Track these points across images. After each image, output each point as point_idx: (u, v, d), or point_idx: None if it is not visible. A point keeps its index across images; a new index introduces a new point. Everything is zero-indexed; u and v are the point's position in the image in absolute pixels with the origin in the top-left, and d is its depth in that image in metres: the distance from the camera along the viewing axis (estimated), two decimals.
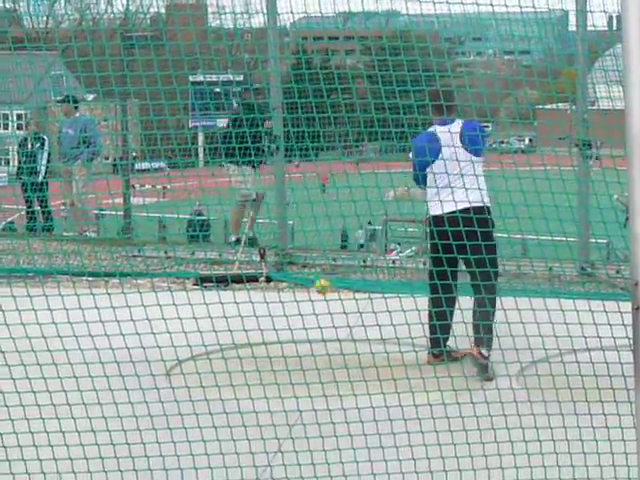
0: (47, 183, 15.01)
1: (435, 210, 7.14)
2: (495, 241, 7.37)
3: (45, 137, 15.23)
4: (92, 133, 14.28)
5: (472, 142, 7.31)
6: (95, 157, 14.68)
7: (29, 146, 14.91)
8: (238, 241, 12.42)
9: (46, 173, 14.94)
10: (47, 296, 5.34)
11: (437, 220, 7.02)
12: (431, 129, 7.48)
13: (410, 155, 7.94)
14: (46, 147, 15.01)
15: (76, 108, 14.61)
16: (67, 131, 14.25)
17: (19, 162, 15.19)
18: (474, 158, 7.25)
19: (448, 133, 7.10)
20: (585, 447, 5.04)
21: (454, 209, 6.90)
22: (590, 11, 10.82)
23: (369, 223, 17.93)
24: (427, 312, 6.86)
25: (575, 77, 11.46)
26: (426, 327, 6.35)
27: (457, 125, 7.40)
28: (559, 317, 5.57)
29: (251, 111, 11.62)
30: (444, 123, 7.35)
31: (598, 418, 5.16)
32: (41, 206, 14.68)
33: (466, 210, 6.90)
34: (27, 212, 14.85)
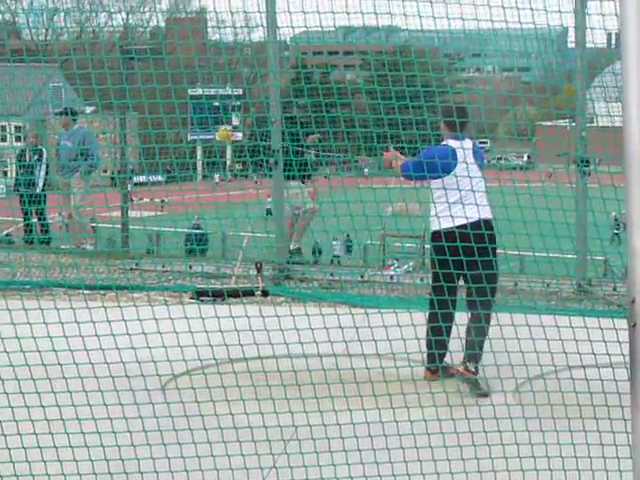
0: (45, 195, 14.99)
1: (446, 223, 7.10)
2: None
3: (43, 149, 15.21)
4: (90, 146, 14.26)
5: (482, 159, 7.50)
6: (93, 170, 14.66)
7: (27, 158, 14.89)
8: (299, 250, 12.57)
9: (44, 185, 14.92)
10: (43, 309, 5.33)
11: (448, 234, 6.95)
12: (445, 143, 7.49)
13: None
14: (44, 159, 14.99)
15: (74, 120, 14.59)
16: (65, 143, 14.23)
17: (17, 174, 15.17)
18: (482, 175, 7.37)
19: (462, 149, 7.17)
20: (580, 464, 5.02)
21: (465, 222, 6.98)
22: (590, 28, 10.83)
23: (347, 235, 17.93)
24: (425, 328, 6.85)
25: (574, 94, 11.47)
26: (422, 343, 6.34)
27: (469, 142, 7.44)
28: (555, 334, 5.57)
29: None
30: (457, 138, 7.37)
31: (592, 435, 5.15)
32: (39, 219, 14.67)
33: (477, 224, 6.95)
34: (24, 225, 14.83)
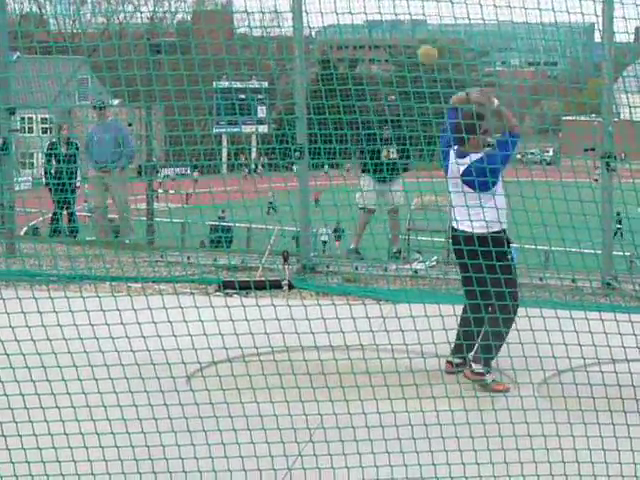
0: (76, 187, 15.07)
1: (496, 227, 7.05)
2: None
3: (78, 141, 15.24)
4: (126, 139, 14.30)
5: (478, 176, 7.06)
6: (131, 161, 14.71)
7: (64, 149, 14.88)
8: (356, 250, 12.66)
9: (76, 177, 14.98)
10: (69, 298, 5.34)
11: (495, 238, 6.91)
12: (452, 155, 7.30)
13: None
14: (77, 151, 15.04)
15: (102, 109, 14.55)
16: (102, 136, 14.20)
17: (47, 165, 15.16)
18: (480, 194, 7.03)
19: (456, 165, 7.13)
20: (607, 457, 4.99)
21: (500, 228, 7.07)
22: (620, 17, 10.73)
23: (338, 223, 17.93)
24: (454, 320, 6.81)
25: (601, 88, 11.39)
26: (450, 335, 6.26)
27: (467, 159, 7.19)
28: (582, 328, 5.53)
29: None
30: (461, 156, 7.23)
31: (621, 428, 5.11)
32: (68, 210, 14.71)
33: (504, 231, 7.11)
34: (53, 215, 14.87)
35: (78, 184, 14.97)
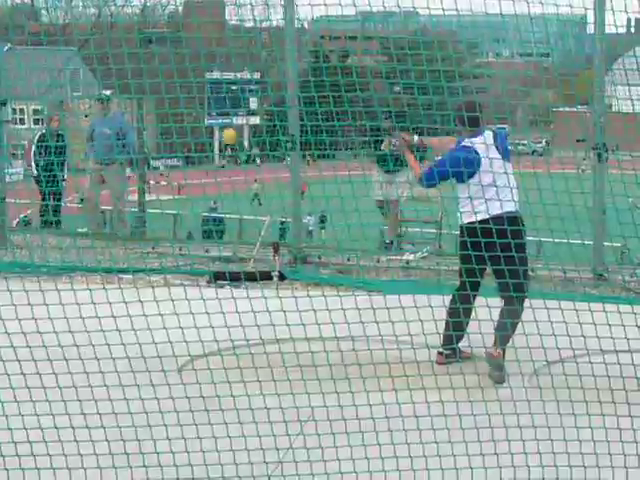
0: (64, 179, 15.04)
1: (468, 218, 7.13)
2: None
3: (64, 133, 15.22)
4: (128, 134, 14.29)
5: (506, 149, 7.41)
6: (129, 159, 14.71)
7: (54, 140, 14.85)
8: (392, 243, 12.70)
9: (64, 169, 14.97)
10: (59, 291, 5.33)
11: (470, 229, 6.98)
12: (466, 142, 7.37)
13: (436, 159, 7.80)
14: (66, 143, 15.03)
15: (107, 102, 14.52)
16: (103, 129, 14.19)
17: (36, 156, 15.13)
18: (508, 165, 7.25)
19: (484, 145, 7.19)
20: (597, 448, 5.00)
21: (486, 217, 7.04)
22: (611, 10, 10.74)
23: (323, 212, 17.99)
24: (447, 310, 6.85)
25: (593, 79, 11.39)
26: (440, 326, 6.29)
27: (489, 135, 7.37)
28: (573, 319, 5.54)
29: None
30: (475, 135, 7.32)
31: (610, 419, 5.13)
32: (56, 200, 14.68)
33: (499, 218, 7.00)
34: (42, 206, 14.85)
35: (66, 177, 14.95)
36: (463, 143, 7.41)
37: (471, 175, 7.12)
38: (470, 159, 7.17)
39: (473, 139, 7.33)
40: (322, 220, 21.63)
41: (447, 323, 6.97)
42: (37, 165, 15.05)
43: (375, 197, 12.82)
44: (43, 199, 14.51)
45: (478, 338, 6.10)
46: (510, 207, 7.17)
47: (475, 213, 6.99)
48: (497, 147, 7.30)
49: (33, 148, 15.07)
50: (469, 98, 7.52)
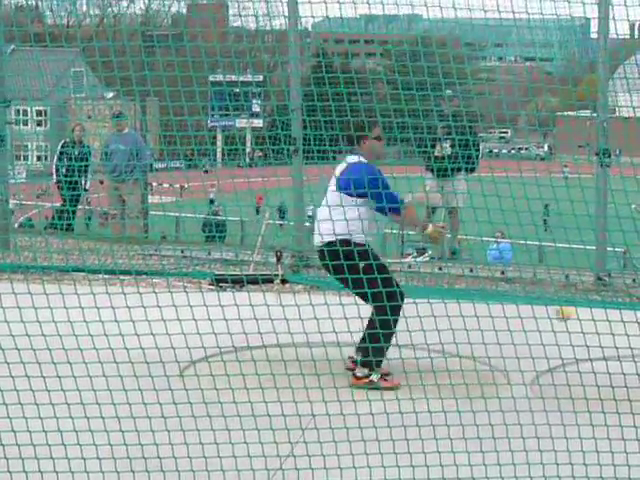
0: (85, 190, 15.16)
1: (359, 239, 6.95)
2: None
3: (90, 147, 15.35)
4: (142, 148, 14.43)
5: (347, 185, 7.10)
6: (145, 174, 14.82)
7: (76, 153, 14.96)
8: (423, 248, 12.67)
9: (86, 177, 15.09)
10: (63, 294, 5.34)
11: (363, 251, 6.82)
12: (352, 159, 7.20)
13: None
14: (89, 150, 15.17)
15: (120, 119, 14.64)
16: (117, 147, 14.32)
17: (58, 162, 15.15)
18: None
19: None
20: (601, 459, 5.00)
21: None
22: (613, 18, 10.75)
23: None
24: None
25: (596, 84, 11.41)
26: (443, 334, 6.21)
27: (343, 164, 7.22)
28: (574, 326, 5.54)
29: None
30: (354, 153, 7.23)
31: (614, 429, 5.13)
32: (72, 205, 14.72)
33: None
34: (60, 212, 14.89)
35: (88, 185, 15.08)
36: (360, 160, 7.19)
37: (364, 195, 6.94)
38: (385, 179, 7.02)
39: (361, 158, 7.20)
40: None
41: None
42: (57, 170, 15.12)
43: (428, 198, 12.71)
44: (63, 203, 14.54)
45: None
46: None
47: (364, 234, 6.87)
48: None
49: (56, 156, 15.18)
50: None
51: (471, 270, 11.19)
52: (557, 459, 4.97)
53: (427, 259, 12.25)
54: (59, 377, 5.10)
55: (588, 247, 9.84)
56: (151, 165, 19.47)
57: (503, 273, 11.02)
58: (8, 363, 5.12)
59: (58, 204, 14.82)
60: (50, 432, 4.98)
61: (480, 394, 5.39)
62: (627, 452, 5.00)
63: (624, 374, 5.53)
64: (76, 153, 14.76)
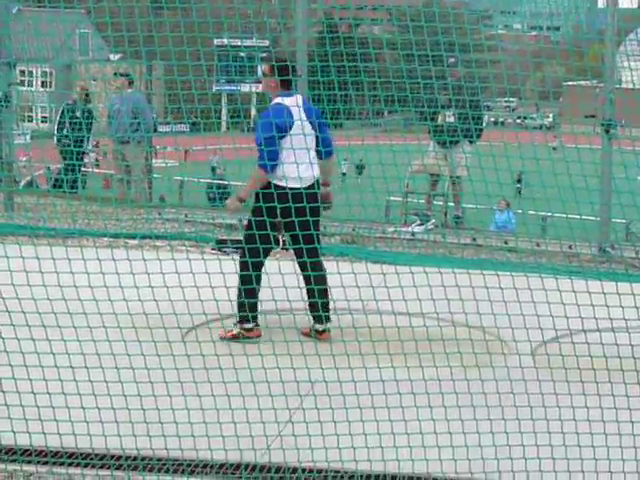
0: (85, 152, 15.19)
1: (293, 183, 6.96)
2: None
3: (92, 109, 15.33)
4: (144, 113, 14.32)
5: (317, 116, 7.30)
6: (150, 132, 14.75)
7: (76, 114, 14.97)
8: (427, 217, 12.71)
9: (88, 143, 15.13)
10: (70, 260, 5.41)
11: (295, 193, 6.70)
12: (278, 100, 7.20)
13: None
14: (92, 119, 15.17)
15: (130, 84, 14.59)
16: (120, 107, 14.26)
17: (60, 126, 15.17)
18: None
19: (297, 107, 7.06)
20: (592, 428, 5.09)
21: (309, 183, 7.08)
22: None
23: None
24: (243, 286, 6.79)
25: (602, 54, 11.39)
26: (438, 302, 6.24)
27: (300, 98, 7.29)
28: (575, 297, 5.58)
29: None
30: (289, 95, 7.23)
31: (606, 399, 5.21)
32: (74, 171, 14.76)
33: (315, 184, 7.14)
34: (60, 171, 14.93)
35: (88, 145, 15.10)
36: (276, 101, 7.23)
37: (282, 138, 6.93)
38: (281, 124, 6.98)
39: (285, 98, 7.19)
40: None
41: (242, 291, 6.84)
42: (59, 130, 15.12)
43: (426, 167, 12.74)
44: (65, 166, 14.55)
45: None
46: (316, 171, 7.23)
47: (285, 178, 6.96)
48: (308, 110, 7.24)
49: (58, 115, 15.20)
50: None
51: (474, 239, 11.27)
52: (549, 428, 5.06)
53: (431, 227, 12.31)
54: (64, 340, 5.18)
55: (591, 218, 9.88)
56: (155, 126, 19.47)
57: (506, 243, 11.10)
58: (14, 325, 5.20)
59: (59, 165, 14.86)
60: (54, 394, 5.07)
61: (475, 363, 5.47)
62: (618, 421, 5.09)
63: (617, 345, 5.59)
64: (77, 112, 14.76)
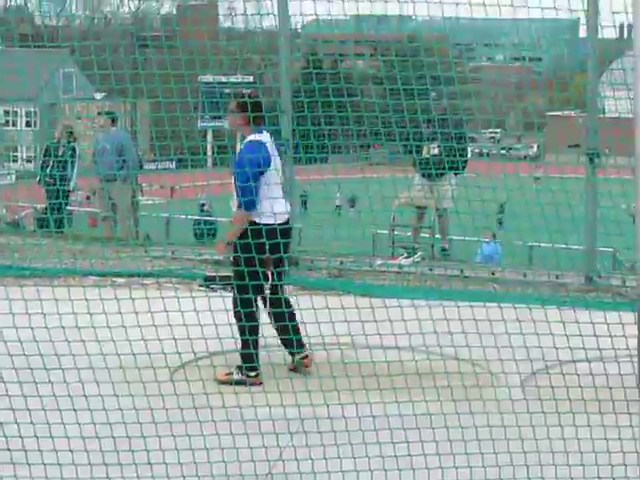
0: (70, 191, 15.15)
1: (268, 219, 6.93)
2: None
3: (76, 146, 15.33)
4: (128, 152, 14.35)
5: (278, 150, 7.36)
6: (130, 176, 14.73)
7: (60, 153, 14.98)
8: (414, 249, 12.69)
9: (74, 183, 15.11)
10: (57, 300, 5.39)
11: (270, 231, 6.81)
12: (255, 137, 7.16)
13: None
14: (77, 157, 15.16)
15: (113, 122, 14.64)
16: (105, 145, 14.31)
17: (44, 167, 15.18)
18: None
19: (270, 143, 7.13)
20: (584, 459, 5.07)
21: (284, 220, 7.01)
22: (601, 25, 10.81)
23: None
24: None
25: (585, 84, 11.44)
26: (427, 336, 6.19)
27: (267, 135, 7.28)
28: (561, 327, 5.58)
29: None
30: (261, 131, 7.21)
31: (597, 430, 5.19)
32: (59, 211, 14.73)
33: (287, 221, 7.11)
34: (44, 211, 14.92)
35: (72, 185, 15.08)
36: (251, 138, 7.16)
37: (267, 166, 6.99)
38: (264, 158, 7.01)
39: (259, 135, 7.16)
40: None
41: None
42: (42, 169, 15.12)
43: (413, 199, 12.77)
44: (49, 206, 14.53)
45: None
46: (288, 207, 7.24)
47: (261, 214, 6.89)
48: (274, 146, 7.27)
49: (41, 154, 15.22)
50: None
51: (462, 271, 11.26)
52: (540, 460, 5.04)
53: (418, 260, 12.29)
54: (51, 382, 5.15)
55: (575, 247, 9.90)
56: (140, 163, 19.50)
57: (493, 274, 11.10)
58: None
59: (43, 205, 14.85)
60: (42, 438, 5.02)
61: (465, 396, 5.46)
62: (609, 452, 5.07)
63: (606, 375, 5.58)
64: (60, 152, 14.77)
